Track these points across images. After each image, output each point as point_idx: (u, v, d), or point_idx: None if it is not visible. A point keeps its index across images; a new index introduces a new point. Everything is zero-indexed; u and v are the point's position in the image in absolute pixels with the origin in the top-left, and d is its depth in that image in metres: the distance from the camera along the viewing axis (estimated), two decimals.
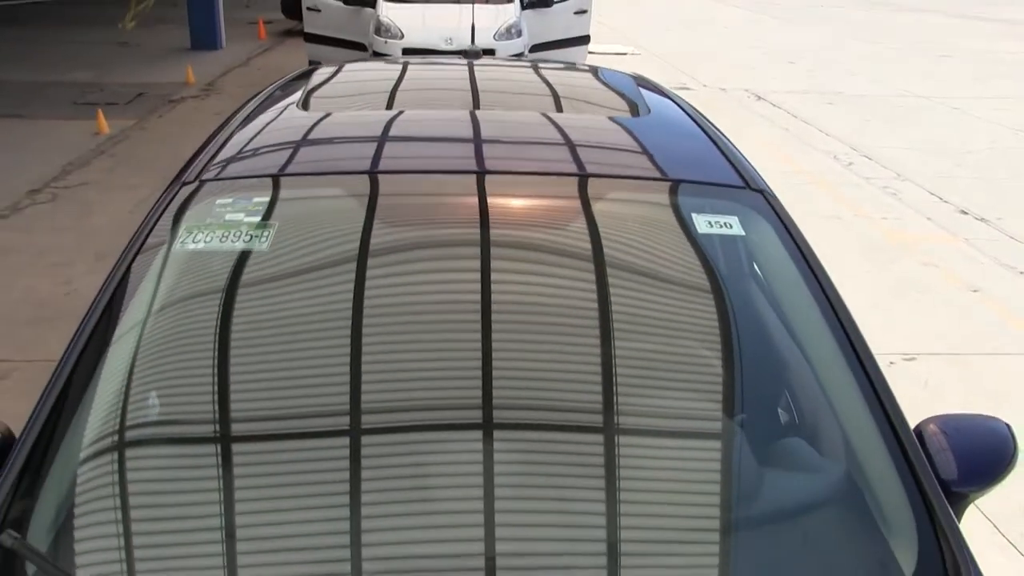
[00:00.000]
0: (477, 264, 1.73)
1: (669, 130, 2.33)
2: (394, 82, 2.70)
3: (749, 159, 2.19)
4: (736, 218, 1.84)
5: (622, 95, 2.64)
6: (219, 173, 1.94)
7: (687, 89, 10.64)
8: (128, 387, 1.52)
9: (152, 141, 7.85)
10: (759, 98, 10.54)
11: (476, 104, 2.45)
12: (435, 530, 1.36)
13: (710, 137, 2.21)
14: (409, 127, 2.24)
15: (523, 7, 9.19)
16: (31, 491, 1.35)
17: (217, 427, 1.48)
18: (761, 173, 2.11)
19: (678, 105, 2.52)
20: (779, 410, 1.73)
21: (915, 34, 16.98)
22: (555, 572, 1.33)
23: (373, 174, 1.93)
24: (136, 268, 1.69)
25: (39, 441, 1.40)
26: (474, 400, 1.51)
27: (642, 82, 2.77)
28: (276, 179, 1.91)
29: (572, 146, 2.10)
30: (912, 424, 1.59)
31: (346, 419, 1.49)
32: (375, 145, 2.08)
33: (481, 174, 1.91)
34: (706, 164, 2.07)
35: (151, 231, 1.76)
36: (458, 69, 2.81)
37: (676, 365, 1.69)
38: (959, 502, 1.54)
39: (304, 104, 2.35)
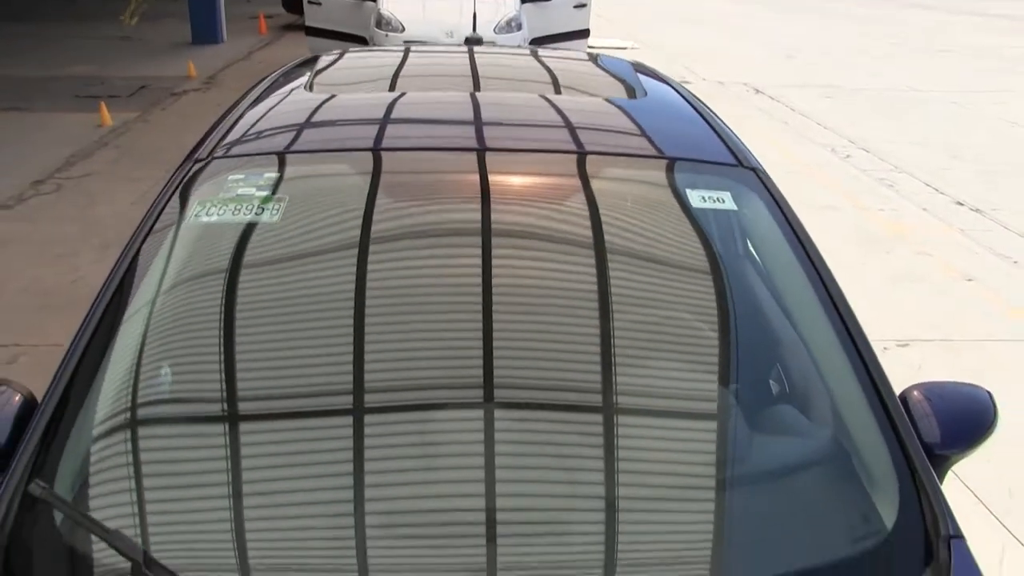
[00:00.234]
0: (478, 239, 1.80)
1: (665, 111, 2.40)
2: (397, 66, 2.76)
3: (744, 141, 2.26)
4: (729, 194, 1.91)
5: (620, 79, 2.71)
6: (230, 150, 2.00)
7: (686, 82, 10.69)
8: (144, 352, 1.59)
9: (155, 133, 7.91)
10: (757, 91, 10.60)
11: (477, 86, 2.51)
12: (437, 485, 1.42)
13: (705, 118, 2.28)
14: (413, 106, 2.31)
15: (523, 1, 9.24)
16: (55, 448, 1.41)
17: (231, 389, 1.54)
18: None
19: (674, 89, 2.58)
20: (770, 379, 1.79)
21: (916, 29, 17.02)
22: (555, 527, 1.40)
23: (379, 151, 1.99)
24: (152, 239, 1.76)
25: (62, 403, 1.47)
26: (475, 363, 1.57)
27: (640, 68, 2.83)
28: (286, 155, 1.98)
29: (571, 125, 2.17)
30: (898, 392, 1.66)
31: (351, 382, 1.55)
32: (380, 123, 2.15)
33: (483, 151, 1.97)
34: (701, 143, 2.14)
35: (166, 204, 1.83)
36: (460, 54, 2.88)
37: (671, 334, 1.76)
38: (941, 464, 1.61)
39: (311, 86, 2.43)
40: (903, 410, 1.59)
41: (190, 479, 1.42)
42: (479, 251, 1.77)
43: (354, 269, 1.74)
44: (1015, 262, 5.52)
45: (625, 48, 13.50)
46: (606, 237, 1.82)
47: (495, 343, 1.59)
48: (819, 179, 7.09)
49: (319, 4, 9.50)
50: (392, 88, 2.46)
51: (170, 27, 13.82)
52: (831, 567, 1.33)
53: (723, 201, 1.89)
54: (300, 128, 2.14)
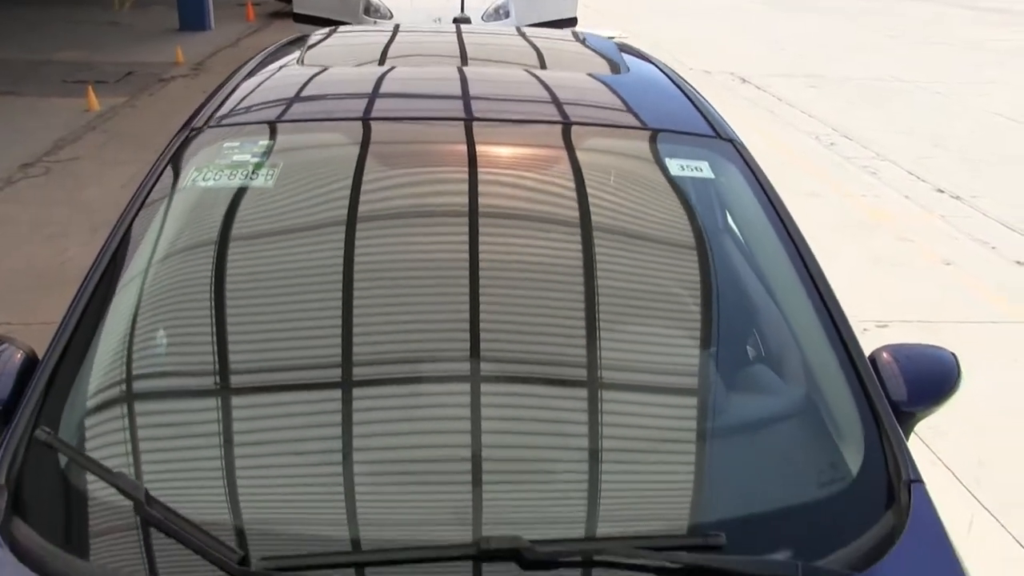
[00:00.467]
0: (465, 205, 1.86)
1: (647, 86, 2.47)
2: (387, 43, 2.82)
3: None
4: (707, 163, 1.98)
5: (604, 56, 2.77)
6: (225, 119, 2.06)
7: None
8: (143, 307, 1.65)
9: (142, 118, 7.92)
10: (744, 81, 10.67)
11: (465, 61, 2.57)
12: (423, 435, 1.48)
13: (685, 93, 2.35)
14: (403, 79, 2.38)
15: None
16: (58, 398, 1.47)
17: (225, 342, 1.60)
18: None
19: (656, 65, 2.65)
20: (746, 343, 1.87)
21: (907, 22, 17.11)
22: (539, 476, 1.46)
23: (369, 120, 2.06)
24: (150, 203, 1.82)
25: (63, 357, 1.52)
26: (462, 323, 1.64)
27: (623, 47, 2.90)
28: (279, 124, 2.04)
29: (556, 98, 2.24)
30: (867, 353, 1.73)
31: (340, 338, 1.61)
32: (371, 95, 2.21)
33: (470, 121, 2.04)
34: (680, 116, 2.21)
35: (163, 170, 1.89)
36: (448, 32, 2.94)
37: (651, 298, 1.82)
38: (908, 420, 1.68)
39: (302, 61, 2.48)
40: (872, 369, 1.66)
41: (186, 428, 1.48)
42: (466, 217, 1.83)
43: (343, 234, 1.80)
44: (993, 247, 5.62)
45: (613, 37, 13.52)
46: (590, 204, 1.89)
47: (481, 305, 1.66)
48: (803, 166, 7.18)
49: None
50: (382, 62, 2.52)
51: (159, 14, 13.78)
52: (801, 507, 1.41)
53: (701, 170, 1.96)
54: (293, 99, 2.20)
